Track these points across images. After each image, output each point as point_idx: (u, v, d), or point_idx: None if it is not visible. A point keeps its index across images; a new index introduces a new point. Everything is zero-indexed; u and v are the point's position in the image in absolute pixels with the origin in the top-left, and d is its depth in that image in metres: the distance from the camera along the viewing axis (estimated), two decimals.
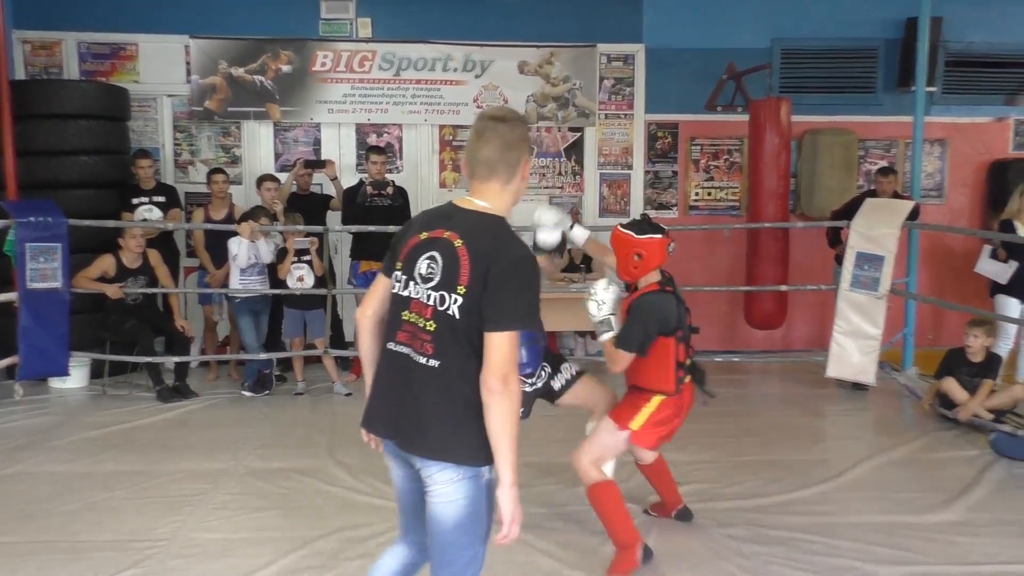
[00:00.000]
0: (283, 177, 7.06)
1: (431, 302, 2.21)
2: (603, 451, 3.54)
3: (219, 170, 6.85)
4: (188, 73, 7.50)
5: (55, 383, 6.33)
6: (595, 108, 7.86)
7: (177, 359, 6.27)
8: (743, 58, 7.66)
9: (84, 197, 6.49)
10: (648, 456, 3.86)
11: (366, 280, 6.79)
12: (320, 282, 6.36)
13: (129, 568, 3.49)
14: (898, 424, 5.75)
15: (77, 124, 6.57)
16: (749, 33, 7.75)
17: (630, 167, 8.00)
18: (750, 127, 7.20)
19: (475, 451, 2.19)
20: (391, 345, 2.30)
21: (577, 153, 7.97)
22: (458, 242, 2.20)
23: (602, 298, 3.39)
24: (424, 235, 2.27)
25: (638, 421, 3.44)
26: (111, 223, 6.31)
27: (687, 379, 3.48)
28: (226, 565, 3.54)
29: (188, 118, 7.58)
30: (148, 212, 6.69)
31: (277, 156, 7.72)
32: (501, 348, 2.12)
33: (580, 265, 7.36)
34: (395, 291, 2.32)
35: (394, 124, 7.76)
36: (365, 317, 2.43)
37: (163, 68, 7.51)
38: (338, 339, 6.87)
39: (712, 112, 7.88)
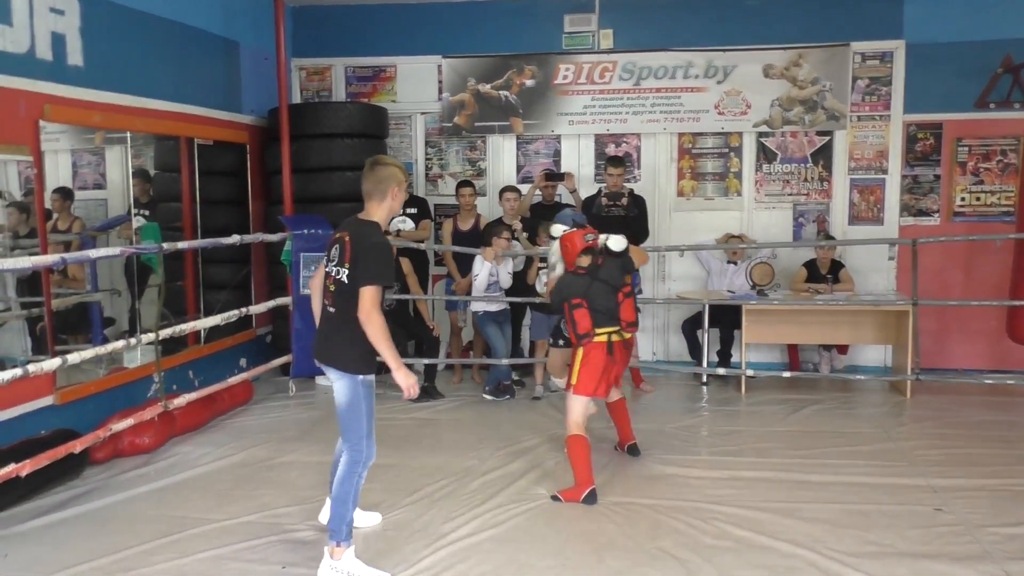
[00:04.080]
0: (524, 188, 7.30)
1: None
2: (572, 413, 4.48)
3: (467, 183, 7.20)
4: (439, 91, 7.96)
5: (322, 381, 6.85)
6: (846, 110, 7.43)
7: (427, 361, 6.65)
8: (1022, 49, 6.91)
9: (348, 210, 6.93)
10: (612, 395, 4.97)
11: None
12: None
13: (386, 555, 3.75)
14: None
15: (343, 142, 7.18)
16: None
17: (885, 171, 7.48)
18: None
19: (351, 364, 3.47)
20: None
21: (825, 158, 7.57)
22: (347, 237, 3.50)
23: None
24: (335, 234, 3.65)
25: (574, 376, 4.48)
26: None
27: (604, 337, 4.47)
28: (475, 561, 3.70)
29: (439, 134, 8.05)
30: (402, 223, 7.17)
31: (519, 168, 7.99)
32: (363, 297, 3.37)
33: (827, 276, 6.98)
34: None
35: (632, 133, 7.79)
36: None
37: (417, 87, 8.02)
38: None
39: (984, 110, 7.18)
